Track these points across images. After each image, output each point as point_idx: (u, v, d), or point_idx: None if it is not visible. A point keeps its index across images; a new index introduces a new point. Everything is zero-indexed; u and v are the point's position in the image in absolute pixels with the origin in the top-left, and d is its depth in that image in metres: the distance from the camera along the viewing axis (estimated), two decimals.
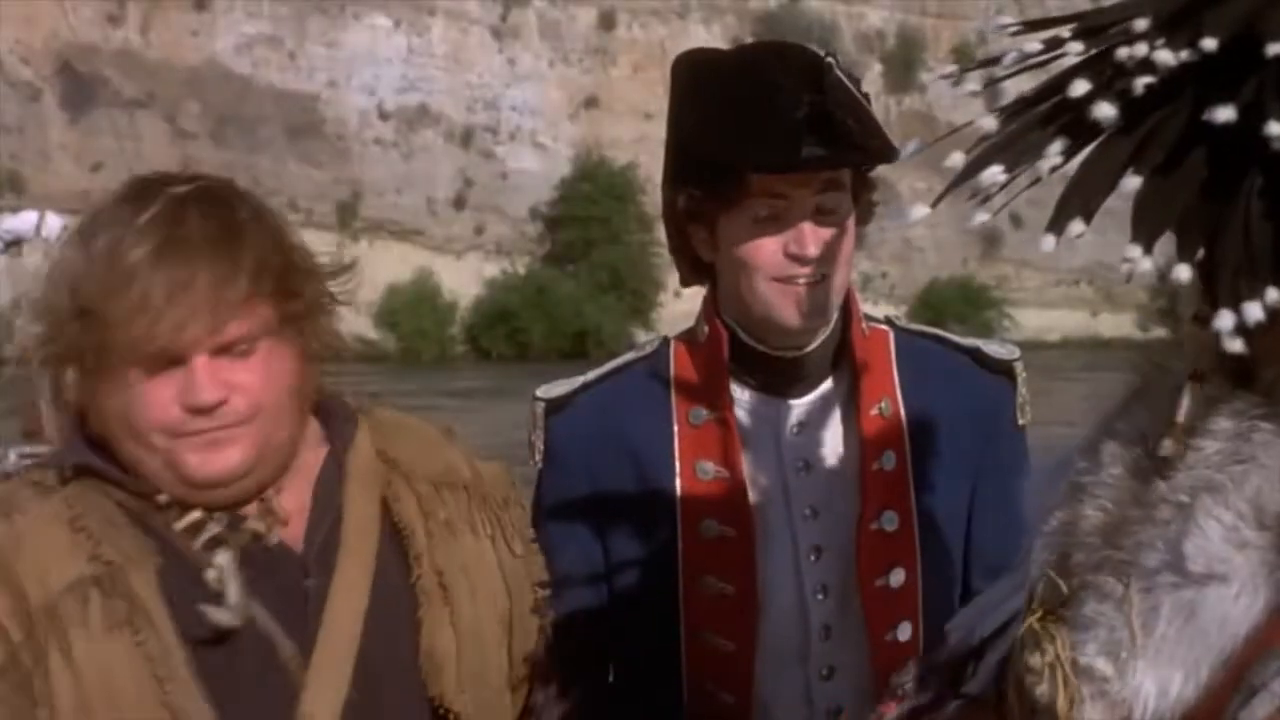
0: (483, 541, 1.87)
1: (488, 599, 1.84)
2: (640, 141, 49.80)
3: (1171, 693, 1.23)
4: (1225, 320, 1.13)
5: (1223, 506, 1.24)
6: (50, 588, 1.66)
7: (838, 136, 2.03)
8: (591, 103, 45.07)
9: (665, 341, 2.26)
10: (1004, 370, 2.24)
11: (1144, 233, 1.16)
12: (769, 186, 2.08)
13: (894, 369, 2.19)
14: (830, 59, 2.06)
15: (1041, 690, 1.29)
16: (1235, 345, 1.14)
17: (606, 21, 45.51)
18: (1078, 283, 49.25)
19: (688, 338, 2.24)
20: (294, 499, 1.78)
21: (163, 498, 1.72)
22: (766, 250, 2.10)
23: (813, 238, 2.09)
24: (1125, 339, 47.31)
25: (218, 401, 1.68)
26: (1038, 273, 47.14)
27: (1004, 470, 2.17)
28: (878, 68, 44.59)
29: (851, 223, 2.14)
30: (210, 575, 1.71)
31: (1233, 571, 1.23)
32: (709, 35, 46.25)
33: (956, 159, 1.22)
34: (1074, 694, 1.26)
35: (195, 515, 1.72)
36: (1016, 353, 2.26)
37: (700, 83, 2.14)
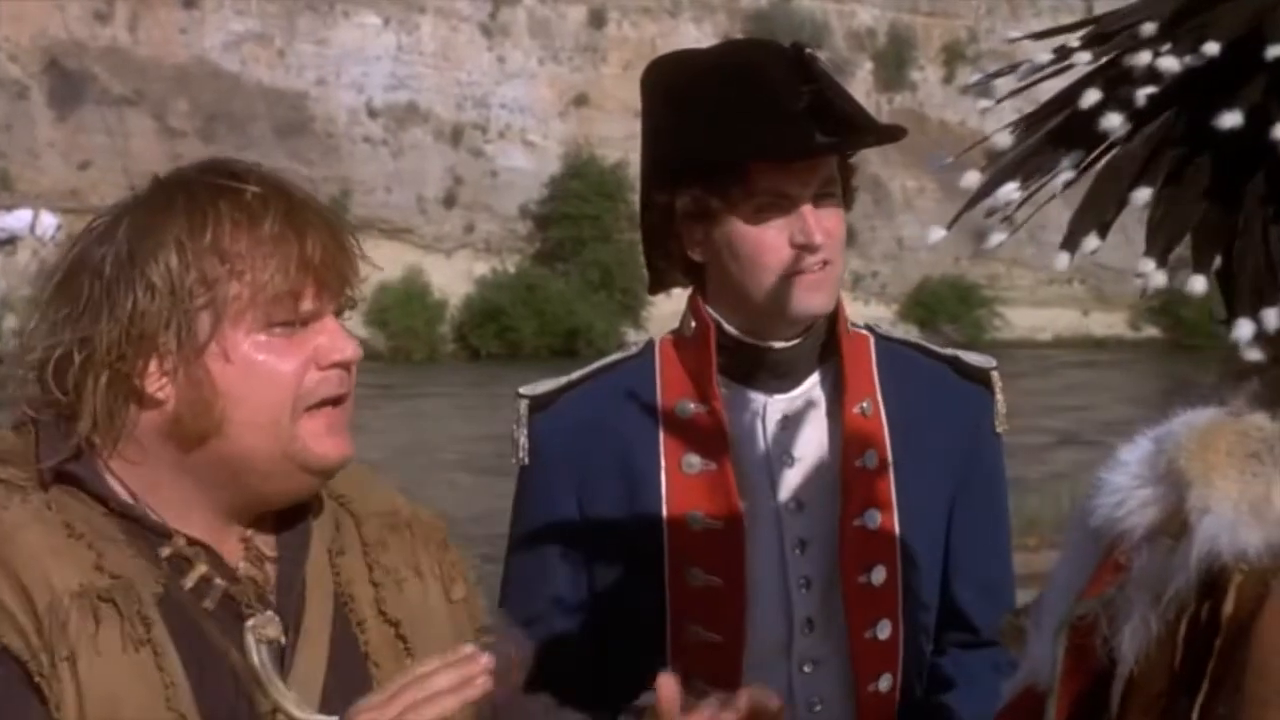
0: (428, 583, 1.78)
1: (439, 645, 1.72)
2: (631, 139, 49.76)
3: (1054, 659, 1.27)
4: (1244, 329, 1.12)
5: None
6: (55, 591, 1.50)
7: (842, 122, 2.07)
8: (581, 100, 45.08)
9: (651, 341, 2.28)
10: (982, 379, 2.27)
11: (1158, 245, 1.14)
12: (772, 181, 2.10)
13: (874, 372, 2.21)
14: (810, 51, 2.10)
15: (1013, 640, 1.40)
16: (1254, 354, 1.13)
17: (596, 19, 45.52)
18: (1070, 281, 49.35)
19: (674, 335, 2.26)
20: (267, 539, 1.70)
21: (154, 517, 1.61)
22: (774, 244, 2.12)
23: (817, 226, 2.11)
24: (1117, 338, 47.47)
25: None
26: (1029, 271, 47.22)
27: (986, 478, 2.25)
28: (869, 66, 44.66)
29: (843, 210, 2.18)
30: (255, 662, 1.61)
31: (1081, 542, 1.29)
32: (700, 33, 46.30)
33: (972, 178, 1.21)
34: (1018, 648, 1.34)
35: (181, 544, 1.61)
36: (993, 362, 2.30)
37: (685, 85, 2.15)
